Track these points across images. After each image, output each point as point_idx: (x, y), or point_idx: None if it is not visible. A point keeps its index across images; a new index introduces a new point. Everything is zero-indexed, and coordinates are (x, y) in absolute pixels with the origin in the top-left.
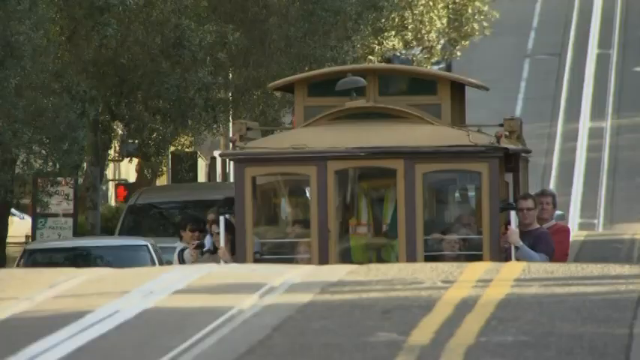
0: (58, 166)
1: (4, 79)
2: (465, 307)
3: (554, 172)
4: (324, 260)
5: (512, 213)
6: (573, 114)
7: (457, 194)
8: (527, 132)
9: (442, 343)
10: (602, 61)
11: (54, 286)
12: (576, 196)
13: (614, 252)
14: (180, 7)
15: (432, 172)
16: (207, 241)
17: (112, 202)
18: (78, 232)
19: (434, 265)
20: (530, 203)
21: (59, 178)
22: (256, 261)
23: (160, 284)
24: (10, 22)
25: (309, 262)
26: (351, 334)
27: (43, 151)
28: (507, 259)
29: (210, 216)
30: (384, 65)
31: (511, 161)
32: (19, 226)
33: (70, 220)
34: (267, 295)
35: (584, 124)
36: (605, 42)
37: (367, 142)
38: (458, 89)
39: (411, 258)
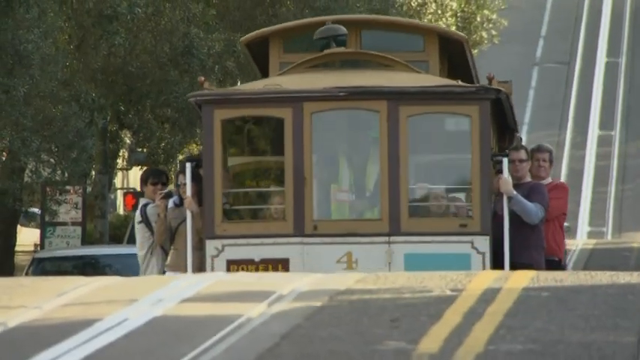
0: (66, 174)
1: (13, 87)
2: (474, 315)
3: (562, 180)
4: (299, 212)
5: (504, 161)
6: (582, 122)
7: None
8: (536, 140)
9: (451, 351)
10: (611, 70)
11: (62, 295)
12: (585, 204)
13: (623, 260)
14: (188, 15)
15: (417, 115)
16: (174, 197)
17: (121, 211)
18: (86, 240)
19: (442, 273)
20: (522, 154)
21: (68, 187)
22: (225, 212)
23: (168, 292)
24: (18, 31)
25: (283, 213)
26: (360, 342)
27: (52, 160)
28: (496, 218)
29: (182, 177)
30: (366, 16)
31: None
32: (28, 234)
33: (78, 229)
34: (276, 304)
35: (593, 132)
36: (613, 50)
37: (347, 84)
38: (452, 46)
39: (394, 208)
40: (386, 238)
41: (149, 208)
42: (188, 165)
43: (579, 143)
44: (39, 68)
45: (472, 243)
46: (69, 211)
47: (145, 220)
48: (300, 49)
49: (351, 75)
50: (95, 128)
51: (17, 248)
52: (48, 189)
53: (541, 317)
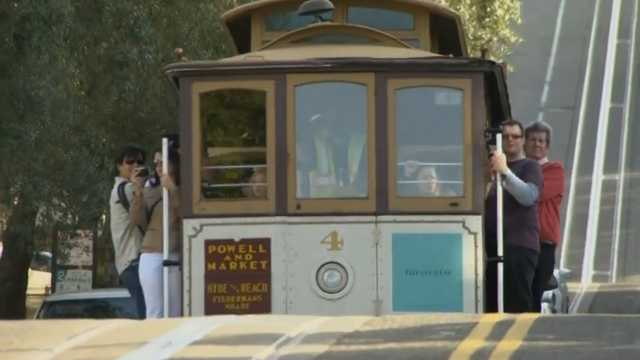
0: (77, 218)
1: (25, 132)
2: (480, 358)
3: (567, 225)
4: (281, 190)
5: (498, 137)
6: (587, 166)
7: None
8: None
9: None
10: (615, 114)
11: (73, 337)
12: (590, 248)
13: (628, 303)
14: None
15: (406, 88)
16: (151, 177)
17: None
18: (97, 283)
19: (449, 315)
20: (516, 129)
21: (79, 231)
22: (203, 190)
23: (177, 335)
24: (30, 77)
25: (264, 191)
26: None
27: (63, 204)
28: (490, 201)
29: (158, 154)
30: None
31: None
32: (39, 277)
33: (89, 272)
34: (284, 346)
35: (598, 176)
36: (617, 96)
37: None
38: (444, 24)
39: (382, 186)
40: (373, 218)
41: (127, 187)
42: (165, 141)
43: (584, 187)
44: (50, 114)
45: (463, 223)
46: (80, 254)
47: (123, 199)
48: (284, 27)
49: (337, 49)
50: (106, 173)
51: (28, 291)
52: (59, 233)
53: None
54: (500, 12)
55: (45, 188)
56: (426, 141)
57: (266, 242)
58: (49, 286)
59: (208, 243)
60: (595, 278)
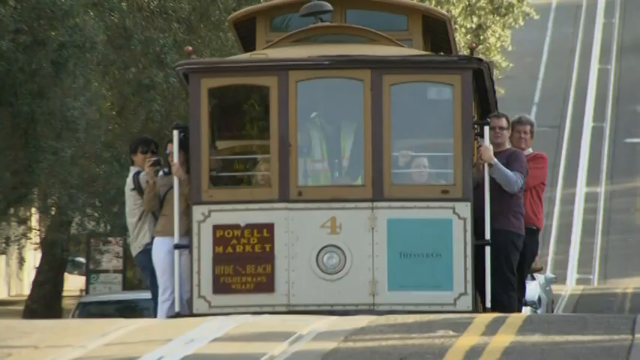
0: (108, 227)
1: (61, 149)
2: (474, 354)
3: (553, 233)
4: (284, 178)
5: (486, 129)
6: (571, 180)
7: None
8: None
9: None
10: (597, 133)
11: (105, 335)
12: (574, 254)
13: (608, 304)
14: None
15: (400, 84)
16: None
17: None
18: (127, 286)
19: (447, 316)
20: (503, 122)
21: (110, 238)
22: (211, 178)
23: (199, 333)
24: (66, 99)
25: (268, 180)
26: None
27: (96, 214)
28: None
29: (170, 146)
30: None
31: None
32: (74, 281)
33: (119, 276)
34: (296, 343)
35: (581, 189)
36: (599, 116)
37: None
38: (435, 25)
39: (378, 175)
40: (369, 204)
41: (141, 176)
42: (175, 132)
43: (569, 199)
44: (84, 132)
45: (454, 209)
46: (111, 260)
47: (137, 187)
48: (286, 28)
49: (336, 47)
50: None
51: (64, 293)
52: (92, 240)
53: (534, 356)
54: (492, 40)
55: (79, 200)
56: (418, 133)
57: (270, 227)
58: (83, 288)
59: (216, 228)
60: (578, 281)
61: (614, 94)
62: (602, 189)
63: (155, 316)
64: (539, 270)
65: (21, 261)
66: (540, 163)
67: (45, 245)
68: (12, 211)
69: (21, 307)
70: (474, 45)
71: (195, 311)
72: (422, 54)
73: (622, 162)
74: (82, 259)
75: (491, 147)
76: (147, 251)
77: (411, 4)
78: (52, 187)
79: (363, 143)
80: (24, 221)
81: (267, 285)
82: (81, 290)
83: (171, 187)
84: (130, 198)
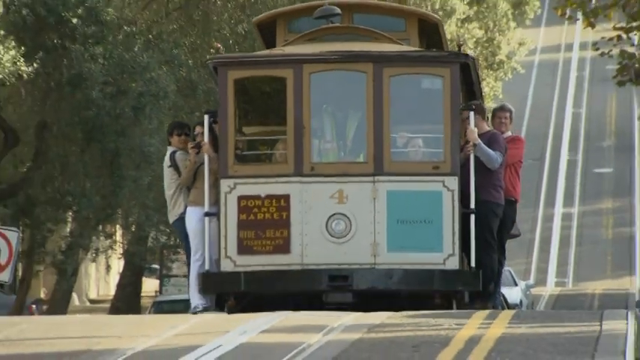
0: (178, 240)
1: (140, 178)
2: (473, 342)
3: (536, 245)
4: (299, 156)
5: (471, 114)
6: (550, 202)
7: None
8: (518, 215)
9: None
10: (571, 164)
11: (174, 328)
12: (553, 261)
13: (580, 303)
14: None
15: (398, 75)
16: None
17: None
18: None
19: (451, 312)
20: (484, 110)
21: (179, 249)
22: (236, 156)
23: (251, 325)
24: (144, 137)
25: (285, 157)
26: None
27: (167, 230)
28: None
29: (198, 127)
30: (357, 1)
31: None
32: (150, 284)
33: (187, 280)
34: (329, 334)
35: (558, 209)
36: (573, 150)
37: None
38: (429, 27)
39: (379, 153)
40: (371, 178)
41: (177, 155)
42: (206, 117)
43: (548, 218)
44: (158, 164)
45: (443, 182)
46: (180, 266)
47: (174, 164)
48: (301, 29)
49: (344, 45)
50: None
51: (142, 294)
52: (164, 251)
53: (521, 344)
54: (486, 89)
55: (154, 218)
56: (414, 117)
57: (286, 197)
58: (158, 290)
59: (240, 198)
60: (556, 284)
61: (585, 133)
62: (575, 209)
63: (189, 273)
64: (518, 236)
65: (107, 268)
66: (518, 144)
67: (127, 255)
68: (100, 227)
69: (107, 305)
70: (461, 42)
71: (222, 269)
72: (416, 50)
73: (591, 188)
74: (156, 266)
75: (475, 129)
76: (182, 219)
77: (408, 8)
78: (133, 208)
79: (366, 126)
80: (110, 236)
81: (283, 247)
82: (156, 291)
83: (202, 164)
84: (168, 174)
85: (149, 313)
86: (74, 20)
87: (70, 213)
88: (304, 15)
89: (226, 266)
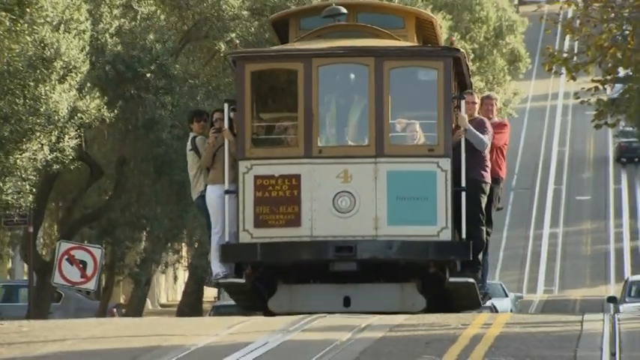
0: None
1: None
2: (476, 340)
3: (528, 259)
4: (308, 140)
5: (463, 103)
6: (539, 224)
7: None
8: (512, 235)
9: None
10: (557, 193)
11: (230, 327)
12: (542, 273)
13: (564, 307)
14: None
15: (397, 68)
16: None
17: None
18: None
19: (459, 314)
20: (475, 98)
21: None
22: (253, 140)
23: (293, 325)
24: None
25: (296, 141)
26: (406, 356)
27: None
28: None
29: (217, 114)
30: (361, 1)
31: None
32: (210, 291)
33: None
34: (357, 333)
35: (546, 230)
36: (558, 180)
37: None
38: (425, 24)
39: (380, 137)
40: (373, 159)
41: (197, 140)
42: (226, 105)
43: (538, 237)
44: None
45: (437, 163)
46: None
47: (194, 148)
48: (311, 26)
49: (349, 41)
50: None
51: (203, 300)
52: None
53: (516, 341)
54: None
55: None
56: (411, 105)
57: (297, 177)
58: (216, 296)
59: (256, 177)
60: (545, 291)
61: (568, 167)
62: (560, 230)
63: (210, 244)
64: (500, 209)
65: (175, 278)
66: (503, 129)
67: (191, 268)
68: (169, 245)
69: (174, 309)
70: (452, 39)
71: (240, 241)
72: (414, 45)
73: (573, 212)
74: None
75: (466, 116)
76: (202, 197)
77: (406, 8)
78: (195, 229)
79: (368, 113)
80: (177, 252)
81: (295, 221)
82: (214, 297)
83: (221, 146)
84: (190, 157)
85: (209, 315)
86: (148, 75)
87: (144, 233)
88: (313, 14)
89: (244, 238)
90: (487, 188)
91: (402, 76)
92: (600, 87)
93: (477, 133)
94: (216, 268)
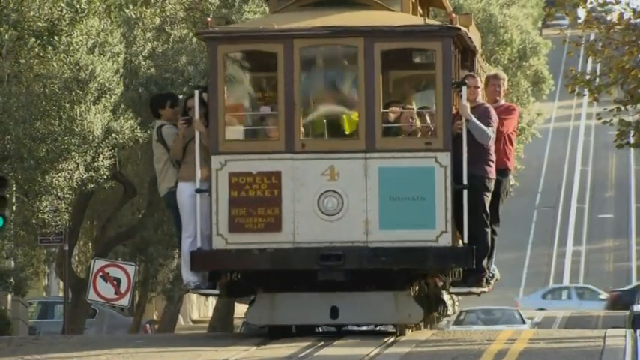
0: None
1: None
2: (501, 355)
3: (551, 276)
4: (290, 132)
5: (464, 88)
6: (563, 242)
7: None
8: (535, 253)
9: None
10: (580, 211)
11: (259, 343)
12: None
13: (587, 323)
14: None
15: (389, 50)
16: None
17: None
18: None
19: (482, 328)
20: (477, 82)
21: None
22: (227, 133)
23: (325, 340)
24: None
25: (276, 134)
26: None
27: None
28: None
29: (190, 101)
30: None
31: (467, 58)
32: (240, 307)
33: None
34: (385, 348)
35: (569, 247)
36: (581, 199)
37: (332, 24)
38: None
39: (370, 129)
40: (363, 155)
41: (164, 129)
42: (196, 92)
43: (561, 254)
44: None
45: (436, 158)
46: None
47: (161, 139)
48: None
49: (335, 14)
50: None
51: (234, 316)
52: None
53: (540, 356)
54: None
55: None
56: (406, 92)
57: (277, 174)
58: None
59: (231, 175)
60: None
61: (591, 186)
62: (583, 248)
63: (180, 248)
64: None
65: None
66: (512, 114)
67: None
68: None
69: (206, 325)
70: (453, 16)
71: (213, 247)
72: (407, 23)
73: (596, 230)
74: None
75: (468, 104)
76: (172, 193)
77: None
78: None
79: (357, 102)
80: None
81: (275, 225)
82: (245, 314)
83: (192, 138)
84: (156, 148)
85: (240, 331)
86: (180, 96)
87: (177, 251)
88: None
89: (218, 244)
90: (492, 185)
91: (394, 59)
92: (622, 107)
93: (480, 124)
94: (187, 276)
